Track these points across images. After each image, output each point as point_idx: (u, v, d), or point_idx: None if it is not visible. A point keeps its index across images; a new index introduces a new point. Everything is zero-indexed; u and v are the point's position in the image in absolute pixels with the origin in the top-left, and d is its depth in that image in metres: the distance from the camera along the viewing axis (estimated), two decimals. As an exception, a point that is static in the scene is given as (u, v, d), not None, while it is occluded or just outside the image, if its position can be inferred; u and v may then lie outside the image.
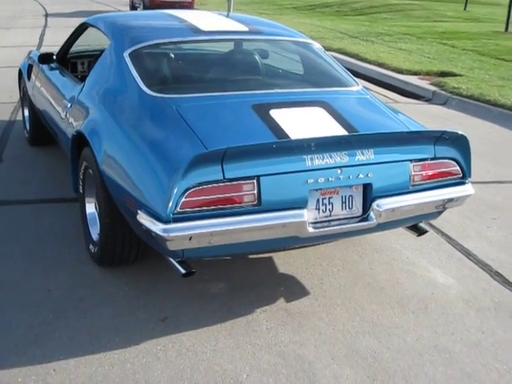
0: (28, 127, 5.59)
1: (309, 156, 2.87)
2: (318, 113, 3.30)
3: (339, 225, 3.04)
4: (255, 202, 2.81)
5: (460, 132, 3.20)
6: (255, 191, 2.80)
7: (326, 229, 3.00)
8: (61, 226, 4.10)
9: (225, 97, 3.41)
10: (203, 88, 3.55)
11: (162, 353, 2.88)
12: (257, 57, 4.18)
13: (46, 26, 16.65)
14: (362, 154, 2.99)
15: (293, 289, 3.48)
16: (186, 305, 3.27)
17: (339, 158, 2.93)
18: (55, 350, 2.85)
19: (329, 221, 3.04)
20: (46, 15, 20.20)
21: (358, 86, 3.86)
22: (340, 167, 2.95)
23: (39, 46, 12.04)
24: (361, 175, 3.00)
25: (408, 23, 18.82)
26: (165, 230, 2.67)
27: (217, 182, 2.72)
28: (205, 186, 2.72)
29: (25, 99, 5.68)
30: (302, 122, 3.19)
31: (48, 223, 4.14)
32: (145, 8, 20.27)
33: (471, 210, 4.68)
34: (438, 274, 3.71)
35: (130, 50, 3.60)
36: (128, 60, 3.54)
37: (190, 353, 2.89)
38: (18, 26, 16.63)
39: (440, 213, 3.46)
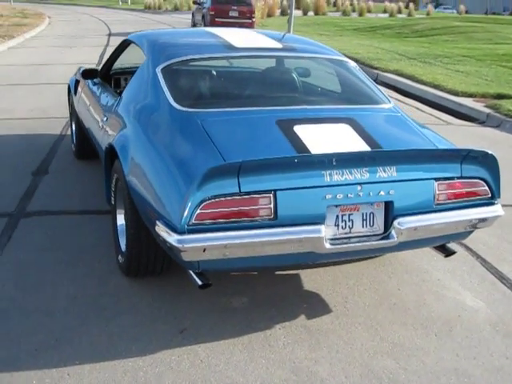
0: (75, 141, 5.78)
1: (327, 171, 2.86)
2: (344, 129, 3.29)
3: (359, 242, 3.01)
4: (271, 216, 2.82)
5: (488, 151, 3.13)
6: (271, 205, 2.80)
7: (345, 245, 2.98)
8: (96, 237, 4.20)
9: (250, 112, 3.44)
10: (229, 103, 3.61)
11: (175, 363, 2.91)
12: (287, 73, 4.21)
13: (107, 44, 17.18)
14: (384, 171, 2.95)
15: (315, 306, 3.46)
16: (206, 317, 3.28)
17: (359, 174, 2.91)
18: (72, 355, 2.91)
19: (348, 238, 3.01)
20: (110, 34, 20.85)
21: (390, 103, 3.83)
22: (360, 184, 2.93)
23: (98, 63, 12.42)
24: (382, 192, 2.96)
25: (469, 45, 18.49)
26: (179, 241, 2.71)
27: (233, 194, 2.75)
28: (221, 199, 2.75)
29: (72, 113, 5.88)
30: (325, 138, 3.19)
31: (84, 234, 4.26)
32: (206, 29, 20.59)
33: (511, 233, 4.54)
34: (467, 296, 3.62)
35: (162, 66, 3.69)
36: (160, 75, 3.63)
37: (204, 364, 2.91)
38: (81, 44, 17.23)
39: (469, 233, 3.38)
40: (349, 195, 2.91)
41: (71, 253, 3.93)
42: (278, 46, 4.14)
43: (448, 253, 3.47)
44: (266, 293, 3.58)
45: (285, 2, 32.73)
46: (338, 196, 2.89)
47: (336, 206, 2.94)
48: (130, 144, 3.40)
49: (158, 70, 3.68)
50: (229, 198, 2.75)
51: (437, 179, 3.10)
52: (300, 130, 3.20)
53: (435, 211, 3.10)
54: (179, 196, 2.77)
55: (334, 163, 2.86)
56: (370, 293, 3.64)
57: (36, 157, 5.98)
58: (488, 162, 3.16)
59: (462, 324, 3.35)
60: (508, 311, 3.48)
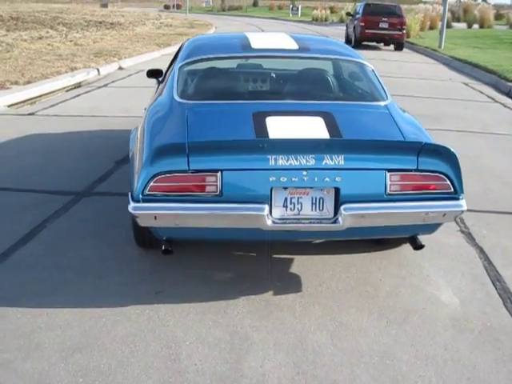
0: None
1: (273, 156, 3.14)
2: (314, 122, 3.52)
3: (306, 224, 3.24)
4: (217, 193, 3.16)
5: (446, 145, 3.21)
6: (218, 183, 3.15)
7: (292, 225, 3.22)
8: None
9: (232, 104, 3.81)
10: (220, 96, 4.00)
11: (135, 316, 3.34)
12: (290, 71, 4.48)
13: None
14: (331, 158, 3.16)
15: (288, 285, 3.70)
16: (185, 285, 3.67)
17: (305, 160, 3.15)
18: (60, 301, 3.45)
19: (298, 219, 3.25)
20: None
21: (386, 101, 3.97)
22: (305, 169, 3.16)
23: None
24: (327, 179, 3.17)
25: None
26: (134, 208, 3.15)
27: (182, 171, 3.13)
28: (172, 174, 3.14)
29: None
30: (290, 129, 3.45)
31: (124, 212, 4.81)
32: (356, 40, 20.82)
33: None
34: (446, 293, 3.66)
35: (180, 64, 4.18)
36: (176, 72, 4.12)
37: (158, 320, 3.31)
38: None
39: (434, 227, 3.44)
40: (293, 179, 3.15)
41: (104, 226, 4.50)
42: (295, 47, 4.42)
43: (416, 245, 3.54)
44: (251, 271, 3.87)
45: (449, 14, 31.78)
46: (281, 179, 3.14)
47: (285, 188, 3.19)
48: (139, 127, 3.92)
49: (177, 67, 4.16)
50: (179, 174, 3.14)
51: (390, 170, 3.22)
52: (271, 120, 3.49)
53: (386, 201, 3.22)
54: (139, 169, 3.21)
55: (280, 149, 3.13)
56: (349, 280, 3.80)
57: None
58: (447, 156, 3.22)
59: (420, 316, 3.41)
60: (479, 310, 3.48)
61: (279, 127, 3.42)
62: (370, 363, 2.95)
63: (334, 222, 3.18)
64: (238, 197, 3.13)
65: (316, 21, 40.56)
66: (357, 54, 4.59)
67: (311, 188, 3.18)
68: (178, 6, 57.27)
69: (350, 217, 3.15)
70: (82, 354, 2.99)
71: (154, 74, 5.36)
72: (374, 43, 21.59)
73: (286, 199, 3.19)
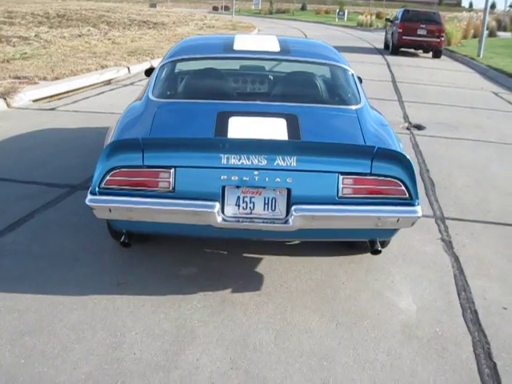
0: None
1: (225, 155, 3.21)
2: (277, 123, 3.57)
3: (257, 223, 3.29)
4: (170, 189, 3.24)
5: (399, 151, 3.22)
6: (170, 179, 3.23)
7: (243, 224, 3.28)
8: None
9: (201, 104, 3.89)
10: (190, 96, 4.08)
11: (92, 305, 3.45)
12: (264, 73, 4.53)
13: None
14: (283, 159, 3.21)
15: (249, 284, 3.76)
16: (148, 278, 3.77)
17: (257, 160, 3.21)
18: (28, 288, 3.62)
19: (249, 218, 3.31)
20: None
21: (357, 105, 3.98)
22: (257, 169, 3.22)
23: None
24: (278, 179, 3.22)
25: None
26: (90, 200, 3.26)
27: (137, 167, 3.23)
28: (127, 169, 3.24)
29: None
30: (250, 129, 3.51)
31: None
32: (393, 46, 20.67)
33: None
34: (405, 300, 3.66)
35: (161, 64, 4.29)
36: (156, 71, 4.24)
37: (112, 310, 3.41)
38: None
39: (390, 232, 3.45)
40: (244, 178, 3.21)
41: (89, 219, 4.49)
42: (276, 49, 4.48)
43: (373, 250, 3.55)
44: (217, 267, 3.94)
45: (494, 23, 31.22)
46: (233, 178, 3.21)
47: (237, 187, 3.26)
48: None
49: (158, 67, 4.28)
50: (134, 170, 3.23)
51: (342, 173, 3.24)
52: (233, 120, 3.56)
53: (338, 203, 3.25)
54: (97, 163, 3.32)
55: (232, 148, 3.19)
56: (311, 282, 3.83)
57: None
58: (401, 162, 3.23)
59: (372, 321, 3.42)
60: (434, 319, 3.47)
61: (240, 127, 3.48)
62: (306, 363, 2.99)
63: (285, 222, 3.22)
64: (190, 193, 3.20)
65: (361, 26, 40.35)
66: (339, 58, 4.61)
67: (263, 188, 3.23)
68: (226, 8, 57.71)
69: (300, 218, 3.18)
70: (31, 337, 3.10)
71: (150, 72, 5.47)
72: (413, 50, 21.32)
73: (238, 198, 3.25)
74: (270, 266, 3.99)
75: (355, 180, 3.23)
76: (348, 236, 3.52)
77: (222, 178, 3.18)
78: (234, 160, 3.17)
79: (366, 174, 3.23)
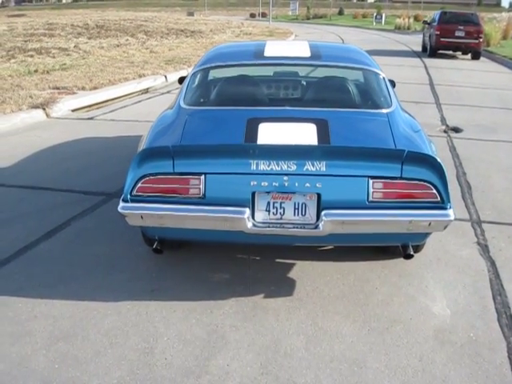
0: None
1: (255, 161, 3.23)
2: (307, 128, 3.57)
3: (288, 228, 3.30)
4: (200, 195, 3.28)
5: (430, 154, 3.19)
6: (201, 186, 3.26)
7: (274, 229, 3.29)
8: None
9: (231, 110, 3.91)
10: (221, 103, 4.12)
11: (125, 310, 3.50)
12: (294, 79, 4.53)
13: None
14: (312, 165, 3.22)
15: (281, 290, 3.76)
16: (182, 284, 3.80)
17: (286, 166, 3.22)
18: (62, 293, 3.70)
19: (280, 223, 3.32)
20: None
21: (389, 109, 3.96)
22: (286, 174, 3.23)
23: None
24: (308, 184, 3.22)
25: None
26: (122, 208, 3.32)
27: (168, 174, 3.27)
28: (158, 176, 3.29)
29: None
30: (281, 135, 3.51)
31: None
32: (431, 49, 20.45)
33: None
34: (439, 305, 3.61)
35: (193, 71, 4.35)
36: (188, 79, 4.29)
37: (146, 315, 3.46)
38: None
39: (422, 236, 3.42)
40: (274, 184, 3.23)
41: (124, 226, 4.56)
42: (307, 55, 4.48)
43: (405, 255, 3.52)
44: (249, 273, 3.96)
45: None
46: (263, 184, 3.22)
47: (267, 192, 3.27)
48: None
49: (190, 74, 4.34)
50: (165, 177, 3.28)
51: (372, 177, 3.23)
52: (263, 126, 3.57)
53: (368, 208, 3.23)
54: (128, 171, 3.37)
55: (262, 154, 3.21)
56: (344, 287, 3.81)
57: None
58: (431, 165, 3.20)
59: (405, 326, 3.39)
60: (468, 324, 3.42)
61: (270, 133, 3.49)
62: (336, 369, 2.97)
63: (315, 227, 3.22)
64: (220, 200, 3.22)
65: (399, 29, 39.99)
66: (370, 62, 4.59)
67: (293, 193, 3.23)
68: (264, 15, 57.91)
69: (330, 223, 3.17)
70: (65, 342, 3.16)
71: (183, 80, 5.54)
72: (451, 52, 21.05)
73: (268, 203, 3.26)
74: (302, 271, 3.98)
75: (385, 184, 3.21)
76: (379, 241, 3.50)
77: (252, 183, 3.19)
78: (263, 166, 3.18)
79: (396, 178, 3.20)
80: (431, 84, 13.39)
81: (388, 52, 21.63)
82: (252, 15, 61.34)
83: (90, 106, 10.19)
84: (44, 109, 9.08)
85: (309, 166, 3.18)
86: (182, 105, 4.08)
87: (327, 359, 3.05)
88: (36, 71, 12.50)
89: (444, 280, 3.91)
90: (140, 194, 3.28)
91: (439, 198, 3.22)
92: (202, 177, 3.23)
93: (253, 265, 4.05)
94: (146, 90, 12.01)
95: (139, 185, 3.27)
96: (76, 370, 2.95)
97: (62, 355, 3.06)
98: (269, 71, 5.10)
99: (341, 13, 64.57)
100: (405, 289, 3.78)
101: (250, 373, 2.93)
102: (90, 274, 3.92)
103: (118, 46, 19.13)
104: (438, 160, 3.17)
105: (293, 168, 3.18)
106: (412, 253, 3.48)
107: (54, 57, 15.14)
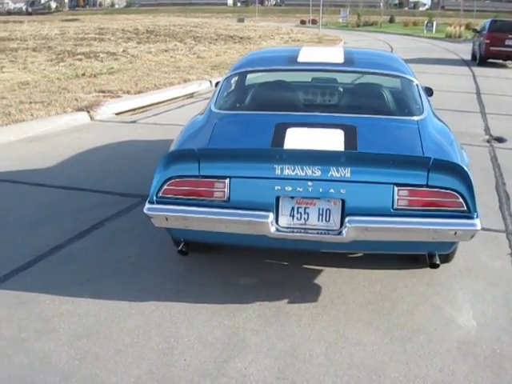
0: None
1: (279, 165, 3.24)
2: (334, 134, 3.56)
3: (312, 234, 3.29)
4: (225, 199, 3.30)
5: (457, 162, 3.15)
6: (225, 189, 3.29)
7: (295, 234, 3.29)
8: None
9: (260, 115, 3.94)
10: (250, 107, 4.15)
11: (149, 311, 3.55)
12: (326, 85, 4.51)
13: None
14: (337, 170, 3.21)
15: (306, 295, 3.75)
16: (208, 287, 3.83)
17: (311, 171, 3.22)
18: (89, 292, 3.78)
19: (304, 229, 3.32)
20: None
21: (420, 116, 3.92)
22: (311, 180, 3.23)
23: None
24: (332, 190, 3.22)
25: None
26: (148, 209, 3.38)
27: (193, 176, 3.32)
28: (184, 179, 3.33)
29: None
30: (308, 140, 3.51)
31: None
32: (480, 57, 20.11)
33: None
34: (465, 316, 3.55)
35: (226, 76, 4.40)
36: (221, 83, 4.34)
37: (169, 316, 3.50)
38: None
39: (448, 246, 3.37)
40: (298, 189, 3.23)
41: (156, 228, 4.67)
42: (340, 61, 4.47)
43: (431, 264, 3.47)
44: (276, 278, 3.96)
45: None
46: (287, 188, 3.23)
47: (292, 197, 3.28)
48: None
49: (223, 80, 4.39)
50: (190, 179, 3.32)
51: (398, 184, 3.20)
52: (291, 131, 3.58)
53: (393, 215, 3.21)
54: (155, 173, 3.43)
55: (286, 159, 3.22)
56: (369, 295, 3.78)
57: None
58: (457, 173, 3.16)
59: (428, 336, 3.34)
60: (493, 336, 3.35)
61: (297, 139, 3.50)
62: (354, 376, 2.95)
63: (339, 233, 3.20)
64: (245, 203, 3.24)
65: (449, 37, 39.37)
66: (404, 69, 4.55)
67: (318, 199, 3.22)
68: (314, 21, 57.74)
69: (353, 229, 3.16)
70: (87, 339, 3.22)
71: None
72: (501, 61, 20.63)
73: (293, 208, 3.26)
74: (329, 277, 3.97)
75: (411, 192, 3.17)
76: (404, 249, 3.45)
77: (276, 188, 3.20)
78: (287, 171, 3.19)
79: (422, 186, 3.16)
80: (478, 93, 13.15)
81: (436, 60, 21.35)
82: (302, 22, 61.35)
83: (134, 110, 10.34)
84: (88, 111, 9.28)
85: (333, 172, 3.17)
86: (213, 109, 4.12)
87: (346, 366, 3.02)
88: (83, 75, 12.77)
89: (473, 291, 3.83)
90: (166, 195, 3.32)
91: (465, 207, 3.17)
92: (227, 180, 3.25)
93: (281, 270, 4.05)
94: (191, 95, 12.13)
95: (165, 187, 3.31)
96: (95, 367, 2.99)
97: (83, 352, 3.11)
98: (301, 77, 5.11)
99: (391, 20, 63.98)
100: (431, 298, 3.72)
101: (266, 377, 2.93)
102: (119, 274, 3.98)
103: (165, 50, 19.40)
104: (465, 168, 3.12)
105: (317, 173, 3.18)
106: (438, 262, 3.42)
107: (102, 61, 15.45)
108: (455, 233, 3.18)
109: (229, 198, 3.25)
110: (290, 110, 4.01)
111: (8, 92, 10.52)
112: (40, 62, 14.61)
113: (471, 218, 3.17)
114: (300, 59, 4.51)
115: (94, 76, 12.75)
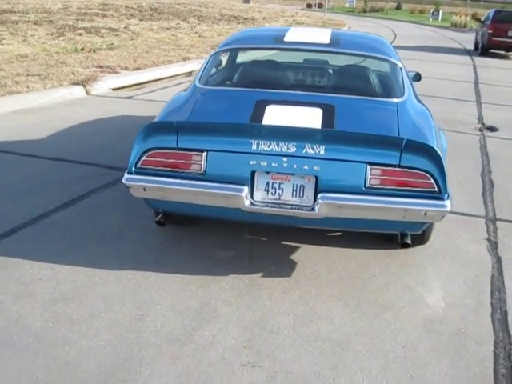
0: None
1: (256, 141, 3.30)
2: (313, 112, 3.63)
3: (285, 209, 3.36)
4: (201, 172, 3.37)
5: (428, 143, 3.21)
6: (202, 162, 3.36)
7: (269, 209, 3.36)
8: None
9: (242, 91, 4.00)
10: (233, 84, 4.21)
11: (126, 279, 3.63)
12: (309, 65, 4.56)
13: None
14: (311, 147, 3.27)
15: (281, 270, 3.82)
16: (186, 258, 3.91)
17: (286, 147, 3.28)
18: (70, 259, 3.87)
19: (278, 204, 3.39)
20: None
21: (400, 98, 3.97)
22: (286, 156, 3.29)
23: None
24: (306, 167, 3.28)
25: None
26: (126, 179, 3.44)
27: (172, 148, 3.38)
28: (162, 151, 3.40)
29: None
30: (286, 117, 3.58)
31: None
32: (482, 48, 20.06)
33: None
34: (434, 296, 3.63)
35: (212, 52, 4.45)
36: (208, 59, 4.41)
37: (145, 285, 3.58)
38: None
39: (419, 226, 3.44)
40: (273, 164, 3.29)
41: (141, 201, 4.73)
42: (326, 42, 4.52)
43: (402, 243, 3.55)
44: (253, 252, 4.04)
45: None
46: (262, 163, 3.30)
47: (267, 172, 3.35)
48: None
49: (209, 56, 4.45)
50: (168, 151, 3.38)
51: (371, 164, 3.26)
52: (271, 108, 3.64)
53: (364, 194, 3.27)
54: (133, 144, 3.49)
55: (263, 134, 3.28)
56: (343, 272, 3.86)
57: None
58: (429, 154, 3.21)
59: (396, 313, 3.42)
60: (460, 316, 3.42)
61: (276, 115, 3.55)
62: (319, 348, 3.03)
63: (312, 209, 3.27)
64: (220, 177, 3.31)
65: (455, 27, 39.20)
66: (389, 52, 4.59)
67: (292, 175, 3.29)
68: (320, 5, 57.39)
69: (325, 206, 3.22)
70: (63, 304, 3.31)
71: None
72: (503, 52, 20.59)
73: (268, 183, 3.33)
74: (305, 254, 4.05)
75: (383, 171, 3.23)
76: (376, 227, 3.53)
77: (252, 163, 3.26)
78: (263, 146, 3.25)
79: (394, 166, 3.22)
80: (476, 82, 13.17)
81: (438, 48, 21.32)
82: (308, 5, 60.99)
83: (130, 86, 10.37)
84: (84, 86, 9.32)
85: (308, 149, 3.23)
86: (197, 84, 4.18)
87: (311, 339, 3.11)
88: (83, 49, 12.78)
89: (445, 273, 3.91)
90: (144, 166, 3.39)
91: (436, 188, 3.23)
92: (204, 153, 3.32)
93: (258, 245, 4.13)
94: (190, 73, 12.13)
95: (144, 158, 3.38)
96: (68, 330, 3.08)
97: (57, 316, 3.20)
98: (287, 56, 5.15)
99: (398, 7, 63.58)
100: (403, 278, 3.80)
101: (233, 345, 3.01)
102: (100, 244, 4.06)
103: (167, 29, 19.35)
104: (437, 150, 3.19)
105: (292, 150, 3.24)
106: (409, 242, 3.50)
107: (102, 36, 15.43)
108: (425, 213, 3.24)
109: (205, 170, 3.32)
110: (272, 88, 4.06)
111: (6, 64, 10.54)
112: (40, 35, 14.60)
113: (442, 199, 3.23)
114: (286, 39, 4.55)
115: (94, 51, 12.76)
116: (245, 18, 28.08)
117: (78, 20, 19.53)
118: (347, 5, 63.82)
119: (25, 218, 4.43)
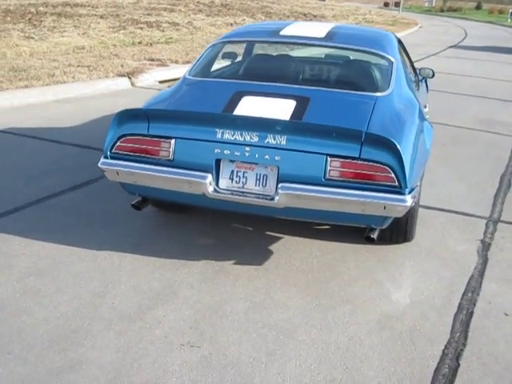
0: None
1: (220, 130, 3.40)
2: (286, 104, 3.68)
3: (248, 197, 3.45)
4: (169, 158, 3.50)
5: (389, 138, 3.22)
6: (170, 149, 3.49)
7: (231, 196, 3.45)
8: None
9: (222, 83, 4.11)
10: (217, 75, 4.32)
11: (101, 259, 3.81)
12: (300, 58, 4.59)
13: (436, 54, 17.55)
14: (273, 138, 3.34)
15: (255, 259, 3.90)
16: (165, 243, 4.05)
17: (249, 137, 3.37)
18: (58, 238, 4.06)
19: (242, 192, 3.47)
20: (452, 46, 20.98)
21: (382, 92, 3.97)
22: (248, 145, 3.38)
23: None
24: (267, 157, 3.35)
25: None
26: (102, 163, 3.61)
27: (143, 135, 3.52)
28: (135, 137, 3.55)
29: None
30: (259, 108, 3.65)
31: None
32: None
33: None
34: (402, 293, 3.62)
35: (210, 44, 4.57)
36: (202, 52, 4.55)
37: (117, 265, 3.74)
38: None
39: (381, 220, 3.45)
40: (236, 153, 3.38)
41: None
42: (321, 36, 4.55)
43: (367, 237, 3.56)
44: (234, 241, 4.14)
45: None
46: (225, 152, 3.39)
47: (232, 161, 3.44)
48: None
49: (206, 47, 4.58)
50: (140, 138, 3.53)
51: (331, 155, 3.30)
52: (246, 99, 3.72)
53: (324, 185, 3.31)
54: (108, 130, 3.66)
55: (227, 124, 3.38)
56: (316, 264, 3.90)
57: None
58: (391, 148, 3.22)
59: (354, 307, 3.44)
60: (421, 314, 3.38)
61: (249, 106, 3.63)
62: (262, 335, 3.10)
63: (272, 199, 3.34)
64: (187, 164, 3.42)
65: (535, 27, 37.80)
66: (386, 47, 4.54)
67: (256, 164, 3.36)
68: (397, 4, 56.56)
69: (285, 196, 3.28)
70: (35, 277, 3.51)
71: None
72: None
73: (232, 172, 3.42)
74: (285, 245, 4.10)
75: (343, 163, 3.25)
76: (338, 219, 3.54)
77: (216, 151, 3.36)
78: (227, 135, 3.34)
79: (354, 158, 3.24)
80: (533, 84, 12.70)
81: (508, 50, 20.63)
82: (385, 4, 60.24)
83: (178, 79, 10.56)
84: (129, 77, 9.59)
85: (270, 139, 3.29)
86: (187, 75, 4.31)
87: (259, 325, 3.17)
88: (140, 43, 13.15)
89: (422, 271, 3.88)
90: (118, 151, 3.54)
91: (397, 183, 3.23)
92: (173, 141, 3.44)
93: (241, 234, 4.22)
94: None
95: (118, 143, 3.53)
96: (32, 301, 3.26)
97: (27, 288, 3.39)
98: (280, 50, 5.19)
99: (478, 7, 61.73)
100: (376, 274, 3.80)
101: (180, 325, 3.12)
102: (91, 226, 4.25)
103: (231, 24, 19.59)
104: (397, 145, 3.17)
105: (255, 139, 3.31)
106: (374, 236, 3.49)
107: (163, 30, 15.81)
108: (384, 207, 3.24)
109: (173, 157, 3.44)
110: (253, 80, 4.14)
111: (61, 55, 10.99)
112: (101, 28, 15.11)
113: (402, 193, 3.23)
114: (282, 32, 4.60)
115: (150, 45, 13.10)
116: (314, 16, 28.04)
117: (145, 14, 20.05)
118: (426, 4, 62.59)
119: (30, 198, 4.68)
